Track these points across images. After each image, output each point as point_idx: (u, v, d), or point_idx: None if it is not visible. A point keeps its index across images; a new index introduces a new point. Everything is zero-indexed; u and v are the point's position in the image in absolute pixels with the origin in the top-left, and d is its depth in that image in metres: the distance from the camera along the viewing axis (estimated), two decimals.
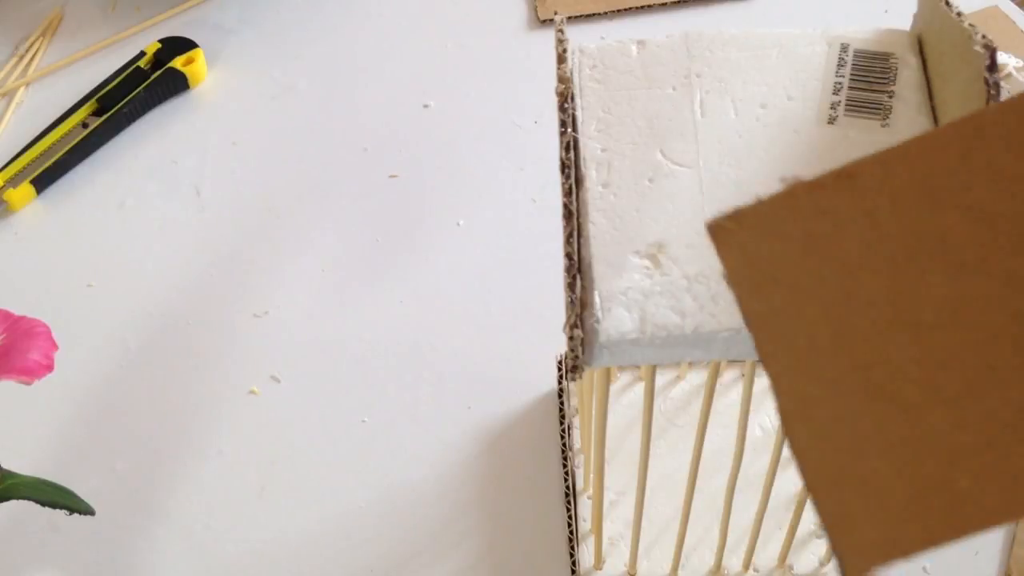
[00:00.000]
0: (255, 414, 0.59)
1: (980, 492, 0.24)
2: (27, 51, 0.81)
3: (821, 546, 0.50)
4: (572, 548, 0.51)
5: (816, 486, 0.25)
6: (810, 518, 0.51)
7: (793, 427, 0.25)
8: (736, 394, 0.53)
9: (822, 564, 0.50)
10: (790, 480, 0.53)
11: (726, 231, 0.27)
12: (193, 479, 0.57)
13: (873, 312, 0.25)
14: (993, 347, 0.25)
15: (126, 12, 0.83)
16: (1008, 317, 0.25)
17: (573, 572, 0.51)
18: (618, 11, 0.78)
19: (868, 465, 0.25)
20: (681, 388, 0.56)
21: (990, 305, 0.25)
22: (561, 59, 0.38)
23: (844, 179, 0.26)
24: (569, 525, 0.52)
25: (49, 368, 0.41)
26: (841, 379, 0.25)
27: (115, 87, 0.75)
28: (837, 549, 0.24)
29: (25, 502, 0.44)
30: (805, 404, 0.25)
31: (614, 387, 0.56)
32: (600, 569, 0.50)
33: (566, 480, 0.54)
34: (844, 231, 0.26)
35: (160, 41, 0.78)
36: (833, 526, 0.24)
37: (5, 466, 0.45)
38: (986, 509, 0.24)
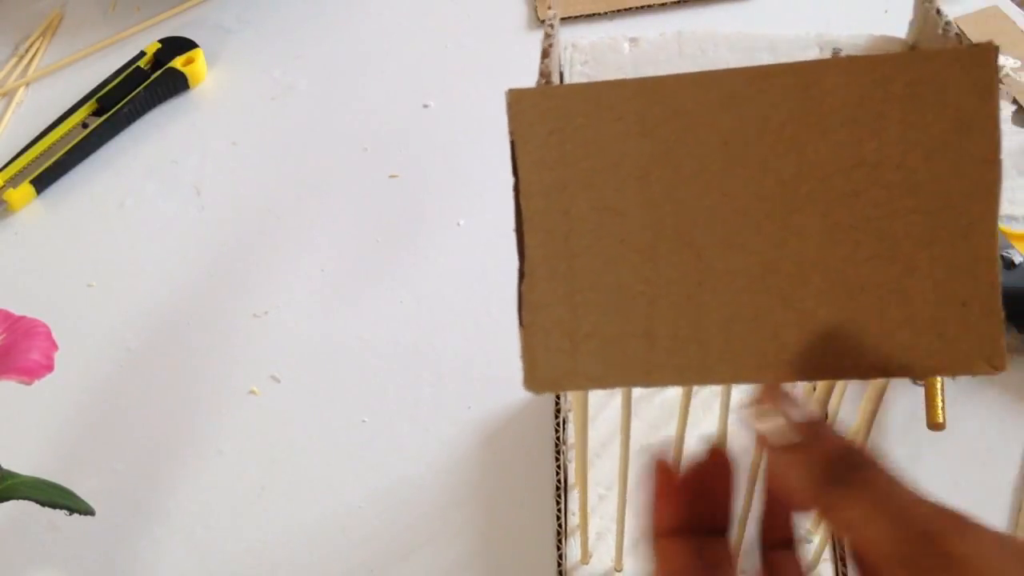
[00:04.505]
0: (255, 414, 0.59)
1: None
2: (27, 51, 0.81)
3: (807, 550, 0.50)
4: (559, 543, 0.51)
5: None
6: (805, 520, 0.51)
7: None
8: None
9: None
10: None
11: (523, 99, 0.30)
12: (193, 479, 0.57)
13: (633, 198, 0.30)
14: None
15: (126, 12, 0.83)
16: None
17: (559, 567, 0.51)
18: (616, 11, 0.78)
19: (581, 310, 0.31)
20: (665, 396, 0.56)
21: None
22: (545, 54, 0.38)
23: (646, 89, 0.29)
24: (558, 520, 0.52)
25: (49, 368, 0.41)
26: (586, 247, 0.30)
27: (115, 87, 0.75)
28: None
29: (25, 502, 0.44)
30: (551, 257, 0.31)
31: None
32: (587, 564, 0.50)
33: (558, 474, 0.54)
34: (627, 132, 0.30)
35: (160, 41, 0.78)
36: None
37: (5, 466, 0.45)
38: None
